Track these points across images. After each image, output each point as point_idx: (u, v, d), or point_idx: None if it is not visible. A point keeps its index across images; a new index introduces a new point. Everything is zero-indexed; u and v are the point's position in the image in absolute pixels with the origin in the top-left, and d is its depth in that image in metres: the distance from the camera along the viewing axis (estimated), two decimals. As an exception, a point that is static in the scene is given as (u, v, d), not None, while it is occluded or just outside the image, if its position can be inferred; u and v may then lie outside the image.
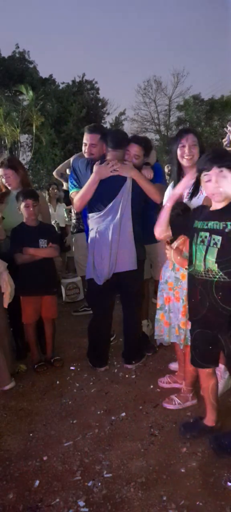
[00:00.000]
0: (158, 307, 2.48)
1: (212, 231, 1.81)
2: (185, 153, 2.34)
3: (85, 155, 2.96)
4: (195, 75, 40.59)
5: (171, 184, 2.53)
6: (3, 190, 3.24)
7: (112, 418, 2.34)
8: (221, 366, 2.32)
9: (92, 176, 2.77)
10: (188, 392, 2.39)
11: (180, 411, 2.33)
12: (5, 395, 2.68)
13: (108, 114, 21.98)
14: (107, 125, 21.41)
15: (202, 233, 1.84)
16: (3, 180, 3.21)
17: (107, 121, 21.70)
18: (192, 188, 2.31)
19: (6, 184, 3.21)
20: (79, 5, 43.35)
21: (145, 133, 24.30)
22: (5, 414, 2.47)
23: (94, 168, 2.77)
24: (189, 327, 2.16)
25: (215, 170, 1.78)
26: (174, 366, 2.83)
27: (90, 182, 2.77)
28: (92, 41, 40.72)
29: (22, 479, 1.90)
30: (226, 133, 2.58)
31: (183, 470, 1.86)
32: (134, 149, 2.84)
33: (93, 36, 42.38)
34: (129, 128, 23.31)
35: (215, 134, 21.33)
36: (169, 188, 2.58)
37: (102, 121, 21.64)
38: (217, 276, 1.78)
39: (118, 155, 2.80)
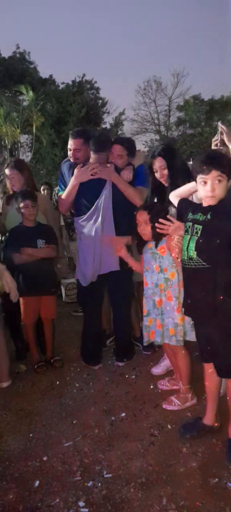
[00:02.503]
0: (144, 313, 2.44)
1: (195, 221, 1.86)
2: (158, 177, 2.50)
3: (71, 160, 3.04)
4: (195, 75, 40.66)
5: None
6: (11, 192, 3.23)
7: (112, 418, 2.34)
8: None
9: (71, 180, 2.85)
10: (187, 391, 2.39)
11: (180, 411, 2.33)
12: (5, 395, 2.68)
13: (108, 113, 21.97)
14: (107, 126, 21.41)
15: (187, 223, 1.91)
16: (9, 181, 3.20)
17: (107, 121, 21.70)
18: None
19: (11, 185, 3.20)
20: (80, 5, 43.37)
21: (145, 133, 24.35)
22: (5, 414, 2.47)
23: (75, 171, 2.83)
24: (185, 320, 2.27)
25: (213, 175, 1.77)
26: (156, 370, 2.83)
27: (70, 186, 2.86)
28: (92, 41, 40.73)
29: (22, 479, 1.90)
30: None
31: (183, 470, 1.86)
32: (117, 149, 2.90)
33: (93, 36, 42.41)
34: (129, 128, 23.32)
35: (215, 134, 21.28)
36: None
37: (102, 121, 21.64)
38: (197, 264, 1.83)
39: (100, 158, 2.84)
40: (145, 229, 2.36)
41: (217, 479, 1.78)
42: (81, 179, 2.81)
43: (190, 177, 2.09)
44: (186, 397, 2.38)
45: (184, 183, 2.21)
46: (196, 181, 1.88)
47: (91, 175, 2.78)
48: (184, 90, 23.84)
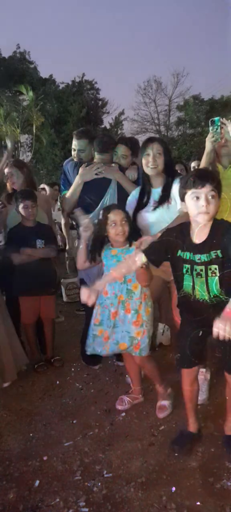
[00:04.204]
0: (96, 322, 2.31)
1: (207, 263, 1.75)
2: (149, 162, 2.35)
3: (75, 160, 3.06)
4: (195, 75, 40.63)
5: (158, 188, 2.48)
6: (10, 191, 3.23)
7: (112, 418, 2.34)
8: (203, 370, 2.38)
9: (76, 179, 2.85)
10: (166, 388, 2.39)
11: (180, 412, 2.32)
12: (5, 395, 2.68)
13: (108, 113, 21.98)
14: (107, 126, 21.40)
15: (197, 267, 1.77)
16: (9, 180, 3.20)
17: (107, 122, 21.70)
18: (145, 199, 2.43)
19: (10, 184, 3.20)
20: (79, 5, 43.35)
21: (145, 133, 24.32)
22: (5, 414, 2.47)
23: (80, 170, 2.84)
24: (144, 335, 2.22)
25: (207, 189, 1.69)
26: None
27: (75, 185, 2.86)
28: (92, 41, 40.70)
29: (22, 479, 1.90)
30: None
31: (183, 470, 1.86)
32: (121, 150, 2.91)
33: (94, 36, 42.41)
34: (129, 128, 23.32)
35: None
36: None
37: (102, 121, 21.64)
38: (223, 298, 1.75)
39: (104, 159, 2.86)
40: (120, 229, 2.20)
41: (217, 479, 1.78)
42: (86, 178, 2.81)
43: None
44: (169, 393, 2.37)
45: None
46: (184, 200, 1.78)
47: (96, 174, 2.79)
48: (184, 90, 23.85)
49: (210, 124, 2.37)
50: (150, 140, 2.41)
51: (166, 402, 2.35)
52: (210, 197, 1.69)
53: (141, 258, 1.89)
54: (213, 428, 2.14)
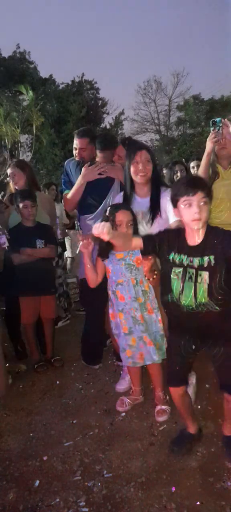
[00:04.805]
0: (126, 331, 2.26)
1: (198, 268, 1.74)
2: (139, 170, 2.30)
3: (76, 159, 3.05)
4: (195, 75, 40.51)
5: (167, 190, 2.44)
6: (13, 191, 3.23)
7: (112, 418, 2.34)
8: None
9: (79, 179, 2.83)
10: (164, 394, 2.37)
11: (177, 411, 2.32)
12: (5, 395, 2.67)
13: (108, 114, 21.97)
14: (107, 126, 21.39)
15: (190, 270, 1.76)
16: (11, 180, 3.21)
17: (107, 122, 21.68)
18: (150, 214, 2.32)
19: (13, 183, 3.20)
20: (79, 5, 43.34)
21: (145, 133, 24.32)
22: (5, 414, 2.47)
23: (82, 170, 2.82)
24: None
25: (198, 196, 1.71)
26: (120, 387, 2.65)
27: (77, 184, 2.84)
28: (92, 41, 40.69)
29: (22, 479, 1.90)
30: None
31: (183, 470, 1.86)
32: (123, 152, 2.87)
33: (93, 36, 42.40)
34: (129, 128, 23.28)
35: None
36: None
37: (102, 121, 21.62)
38: (210, 307, 1.74)
39: (106, 156, 2.84)
40: (124, 230, 2.14)
41: (217, 479, 1.78)
42: (89, 178, 2.79)
43: None
44: (167, 400, 2.35)
45: None
46: (176, 207, 1.78)
47: (99, 174, 2.77)
48: (184, 90, 23.84)
49: (211, 125, 2.37)
50: (138, 148, 2.35)
51: (166, 407, 2.32)
52: (202, 204, 1.71)
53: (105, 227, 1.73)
54: (213, 428, 2.14)
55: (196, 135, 21.59)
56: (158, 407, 2.33)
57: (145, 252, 1.93)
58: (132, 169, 2.33)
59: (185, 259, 1.77)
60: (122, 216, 2.15)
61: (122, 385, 2.65)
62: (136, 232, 2.18)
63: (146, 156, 2.31)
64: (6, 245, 2.84)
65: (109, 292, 2.33)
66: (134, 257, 2.19)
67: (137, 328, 2.25)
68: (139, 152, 2.31)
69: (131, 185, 2.39)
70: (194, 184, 1.74)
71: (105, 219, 2.11)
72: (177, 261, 1.79)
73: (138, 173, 2.31)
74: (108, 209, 2.23)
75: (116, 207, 2.21)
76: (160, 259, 1.91)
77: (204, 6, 41.06)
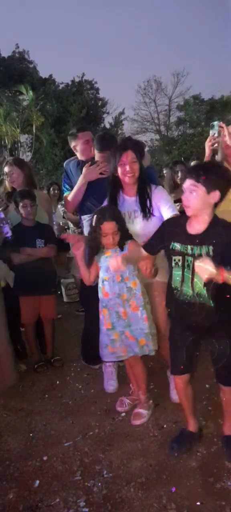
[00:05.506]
0: (109, 327, 2.27)
1: (196, 256, 1.74)
2: (126, 171, 2.29)
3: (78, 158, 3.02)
4: (195, 75, 40.38)
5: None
6: (10, 190, 3.22)
7: (112, 418, 2.34)
8: None
9: (80, 179, 2.81)
10: (148, 398, 2.37)
11: (180, 412, 2.32)
12: (5, 395, 2.68)
13: (108, 113, 21.97)
14: (107, 125, 21.39)
15: (189, 258, 1.78)
16: (8, 178, 3.20)
17: (107, 121, 21.68)
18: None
19: (10, 182, 3.19)
20: (79, 5, 43.30)
21: (145, 133, 24.32)
22: (5, 414, 2.47)
23: (84, 170, 2.80)
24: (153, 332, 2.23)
25: (187, 184, 1.73)
26: (109, 387, 2.67)
27: (78, 185, 2.82)
28: (92, 41, 40.68)
29: (22, 479, 1.90)
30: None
31: (183, 470, 1.86)
32: None
33: (93, 36, 42.38)
34: (129, 128, 23.29)
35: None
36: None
37: (102, 121, 21.63)
38: (206, 301, 1.76)
39: (105, 156, 2.82)
40: (111, 240, 2.18)
41: (217, 479, 1.78)
42: (90, 177, 2.77)
43: None
44: (149, 404, 2.35)
45: None
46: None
47: (100, 174, 2.75)
48: (184, 90, 23.83)
49: (210, 128, 2.40)
50: (123, 149, 2.32)
51: (144, 411, 2.31)
52: (189, 192, 1.73)
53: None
54: (213, 428, 2.14)
55: (196, 135, 21.58)
56: (136, 410, 2.33)
57: (153, 253, 2.00)
58: (119, 170, 2.32)
59: (183, 247, 1.80)
60: (107, 229, 2.18)
61: (112, 385, 2.66)
62: (126, 232, 2.23)
63: (132, 156, 2.30)
64: (9, 234, 2.83)
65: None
66: (120, 254, 2.17)
67: (120, 323, 2.25)
68: (124, 153, 2.29)
69: (119, 184, 2.39)
70: (187, 172, 1.83)
71: (92, 230, 2.24)
72: (176, 249, 1.82)
73: (126, 174, 2.30)
74: (94, 218, 2.24)
75: (99, 219, 2.20)
76: (165, 251, 1.95)
77: (204, 6, 41.03)
